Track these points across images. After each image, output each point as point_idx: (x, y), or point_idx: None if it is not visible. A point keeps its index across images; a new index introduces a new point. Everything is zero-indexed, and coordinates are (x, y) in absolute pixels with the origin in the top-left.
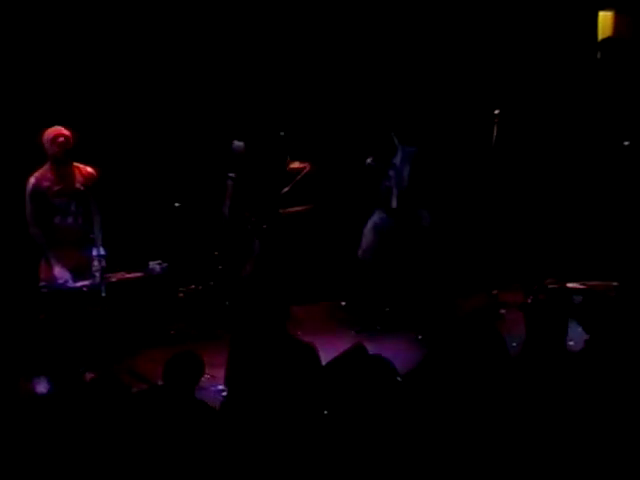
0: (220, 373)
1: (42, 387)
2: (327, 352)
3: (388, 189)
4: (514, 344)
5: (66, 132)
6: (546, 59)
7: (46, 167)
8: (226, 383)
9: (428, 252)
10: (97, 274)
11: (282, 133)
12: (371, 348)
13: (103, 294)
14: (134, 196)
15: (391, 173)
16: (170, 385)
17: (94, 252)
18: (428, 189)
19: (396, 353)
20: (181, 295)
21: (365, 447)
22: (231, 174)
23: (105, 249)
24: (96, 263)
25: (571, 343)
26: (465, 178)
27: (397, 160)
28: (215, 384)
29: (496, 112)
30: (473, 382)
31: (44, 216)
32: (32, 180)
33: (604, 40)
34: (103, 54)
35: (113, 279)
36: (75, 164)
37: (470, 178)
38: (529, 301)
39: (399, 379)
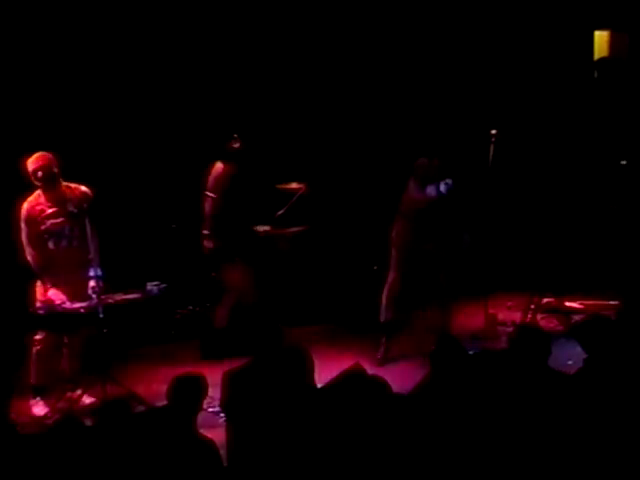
0: (217, 393)
1: (39, 409)
2: (324, 374)
3: None
4: None
5: (49, 156)
6: (543, 79)
7: (38, 192)
8: (222, 406)
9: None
10: (94, 295)
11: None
12: (372, 369)
13: (101, 315)
14: (131, 217)
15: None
16: (173, 407)
17: (91, 273)
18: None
19: (397, 373)
20: (178, 316)
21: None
22: None
23: (102, 270)
24: (93, 284)
25: (570, 362)
26: (463, 197)
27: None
28: (213, 405)
29: (493, 132)
30: (473, 402)
31: (38, 240)
32: (25, 205)
33: (600, 60)
34: (99, 72)
35: (111, 300)
36: (67, 184)
37: (467, 197)
38: (528, 320)
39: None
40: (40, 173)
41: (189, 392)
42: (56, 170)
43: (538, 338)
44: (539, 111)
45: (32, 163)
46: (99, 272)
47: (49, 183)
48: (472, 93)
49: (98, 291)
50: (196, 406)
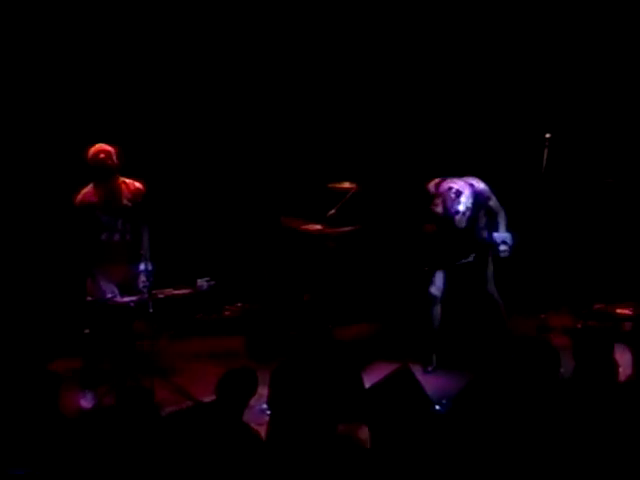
0: (265, 390)
1: (87, 401)
2: (372, 375)
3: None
4: (562, 369)
5: (108, 148)
6: (598, 80)
7: (92, 184)
8: (269, 403)
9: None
10: (144, 290)
11: None
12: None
13: (150, 310)
14: (183, 212)
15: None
16: (222, 400)
17: (141, 267)
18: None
19: (441, 377)
20: (228, 313)
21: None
22: None
23: (153, 265)
24: (143, 279)
25: (620, 369)
26: (514, 203)
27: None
28: (260, 402)
29: (547, 136)
30: (520, 406)
31: (91, 233)
32: (79, 197)
33: None
34: (153, 71)
35: (161, 295)
36: (122, 179)
37: (519, 203)
38: (579, 326)
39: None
40: (102, 155)
41: (240, 385)
42: (115, 161)
43: (600, 341)
44: (595, 114)
45: (95, 147)
46: (150, 267)
47: (106, 171)
48: (526, 95)
49: (148, 285)
50: (245, 400)
